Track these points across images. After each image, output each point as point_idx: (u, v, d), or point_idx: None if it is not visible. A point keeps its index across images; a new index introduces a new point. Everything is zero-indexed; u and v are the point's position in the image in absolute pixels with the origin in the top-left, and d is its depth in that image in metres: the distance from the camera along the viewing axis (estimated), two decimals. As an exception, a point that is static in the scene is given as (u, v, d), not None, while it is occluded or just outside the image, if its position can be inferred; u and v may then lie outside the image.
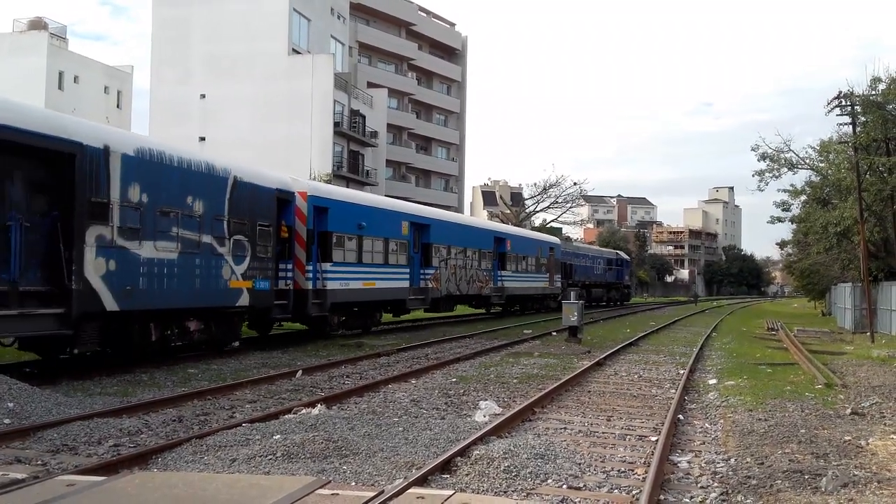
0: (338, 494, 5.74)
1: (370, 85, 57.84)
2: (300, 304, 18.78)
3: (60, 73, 50.97)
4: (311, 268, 19.14)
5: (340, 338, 20.67)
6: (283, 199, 17.97)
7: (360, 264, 21.49)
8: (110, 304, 12.61)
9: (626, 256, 66.48)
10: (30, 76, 47.60)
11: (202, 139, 46.10)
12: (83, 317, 12.22)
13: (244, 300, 16.18)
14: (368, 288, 21.98)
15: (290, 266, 18.42)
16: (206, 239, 15.00)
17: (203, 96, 47.59)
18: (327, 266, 19.74)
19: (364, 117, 53.12)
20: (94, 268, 12.30)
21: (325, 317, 20.14)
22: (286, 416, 9.49)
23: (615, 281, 58.59)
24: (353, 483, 6.62)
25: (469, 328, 26.66)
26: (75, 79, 52.14)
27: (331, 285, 19.85)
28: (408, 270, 24.62)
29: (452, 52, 73.08)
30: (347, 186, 35.42)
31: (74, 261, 11.91)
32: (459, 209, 69.42)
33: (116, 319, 13.12)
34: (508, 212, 72.19)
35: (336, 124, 48.54)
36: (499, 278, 33.38)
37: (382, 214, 23.42)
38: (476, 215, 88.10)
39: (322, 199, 19.93)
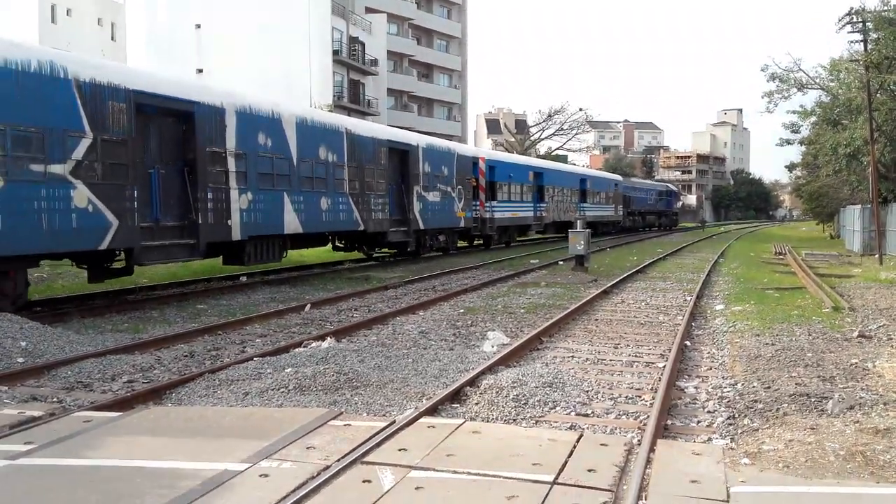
0: (350, 425, 5.83)
1: (368, 10, 56.26)
2: (482, 226, 30.23)
3: (53, 6, 49.73)
4: (487, 204, 30.33)
5: (348, 271, 21.10)
6: (474, 163, 29.46)
7: (509, 201, 33.21)
8: (421, 225, 24.15)
9: (674, 188, 75.68)
10: (21, 10, 46.47)
11: (199, 71, 45.25)
12: (413, 232, 23.61)
13: (461, 223, 27.72)
14: (513, 216, 33.75)
15: (476, 203, 29.34)
16: (448, 189, 26.20)
17: (198, 26, 46.49)
18: (494, 203, 31.20)
19: (363, 44, 51.91)
20: (416, 207, 23.62)
21: (492, 235, 31.81)
22: (296, 349, 9.58)
23: (665, 209, 67.43)
24: (365, 414, 6.71)
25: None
26: (68, 12, 50.90)
27: (497, 214, 31.51)
28: (532, 205, 36.17)
29: (453, -25, 70.74)
30: (349, 115, 34.99)
31: (409, 203, 23.20)
32: (463, 139, 68.55)
33: (420, 234, 24.57)
34: (513, 140, 71.37)
35: (335, 52, 47.51)
36: (581, 209, 43.62)
37: (519, 168, 35.44)
38: (480, 144, 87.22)
39: (492, 160, 32.01)
